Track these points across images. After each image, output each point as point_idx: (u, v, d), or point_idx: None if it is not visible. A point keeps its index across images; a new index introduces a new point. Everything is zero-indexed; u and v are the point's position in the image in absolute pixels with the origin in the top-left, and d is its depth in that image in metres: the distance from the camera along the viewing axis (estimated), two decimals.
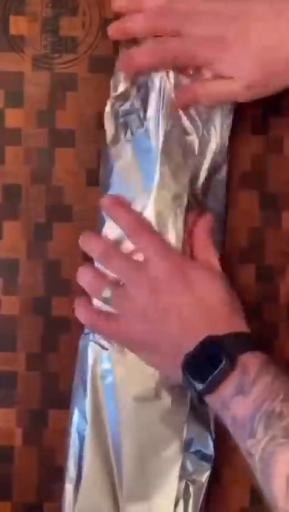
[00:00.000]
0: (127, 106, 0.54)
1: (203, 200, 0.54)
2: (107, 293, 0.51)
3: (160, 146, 0.53)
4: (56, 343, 0.56)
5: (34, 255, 0.56)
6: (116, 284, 0.52)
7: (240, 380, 0.47)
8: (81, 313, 0.53)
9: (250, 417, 0.46)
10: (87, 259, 0.55)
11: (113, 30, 0.54)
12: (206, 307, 0.51)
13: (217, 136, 0.54)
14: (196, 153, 0.53)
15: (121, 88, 0.55)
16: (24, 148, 0.57)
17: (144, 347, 0.52)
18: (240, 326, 0.51)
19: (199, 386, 0.48)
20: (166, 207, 0.52)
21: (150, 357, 0.52)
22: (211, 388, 0.48)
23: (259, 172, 0.57)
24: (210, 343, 0.48)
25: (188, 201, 0.53)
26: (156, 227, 0.52)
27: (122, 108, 0.54)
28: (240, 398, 0.47)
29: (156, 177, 0.53)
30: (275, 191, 0.57)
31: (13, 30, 0.57)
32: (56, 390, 0.56)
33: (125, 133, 0.54)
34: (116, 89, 0.55)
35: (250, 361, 0.48)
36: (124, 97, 0.54)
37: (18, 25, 0.57)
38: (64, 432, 0.55)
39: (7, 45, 0.57)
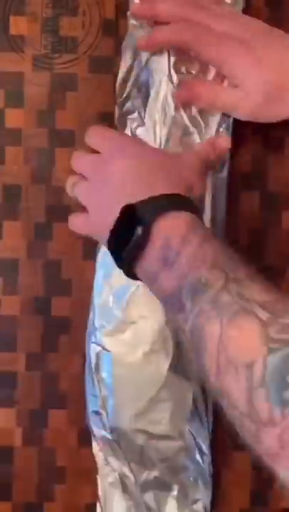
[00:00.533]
0: (128, 105, 0.54)
1: (204, 200, 0.54)
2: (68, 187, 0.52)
3: (161, 146, 0.53)
4: (56, 343, 0.56)
5: (34, 255, 0.56)
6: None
7: (164, 252, 0.44)
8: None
9: (178, 290, 0.43)
10: (87, 259, 0.56)
11: (139, 8, 0.54)
12: (135, 173, 0.47)
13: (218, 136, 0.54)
14: None
15: (126, 92, 0.55)
16: (24, 148, 0.56)
17: (95, 227, 0.50)
18: (164, 188, 0.46)
19: (118, 262, 0.46)
20: None
21: (91, 227, 0.50)
22: (130, 261, 0.45)
23: (259, 172, 0.57)
24: (125, 212, 0.45)
25: None
26: None
27: (124, 108, 0.54)
28: (167, 270, 0.43)
29: None
30: (276, 191, 0.57)
31: (13, 30, 0.57)
32: (56, 389, 0.56)
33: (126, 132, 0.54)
34: (121, 94, 0.55)
35: (173, 228, 0.44)
36: (126, 97, 0.54)
37: (18, 25, 0.57)
38: (64, 432, 0.55)
39: (7, 45, 0.57)
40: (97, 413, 0.54)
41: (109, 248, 0.46)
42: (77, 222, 0.52)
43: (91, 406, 0.54)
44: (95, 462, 0.55)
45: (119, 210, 0.45)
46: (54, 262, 0.56)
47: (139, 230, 0.44)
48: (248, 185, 0.57)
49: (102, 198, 0.48)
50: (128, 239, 0.44)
